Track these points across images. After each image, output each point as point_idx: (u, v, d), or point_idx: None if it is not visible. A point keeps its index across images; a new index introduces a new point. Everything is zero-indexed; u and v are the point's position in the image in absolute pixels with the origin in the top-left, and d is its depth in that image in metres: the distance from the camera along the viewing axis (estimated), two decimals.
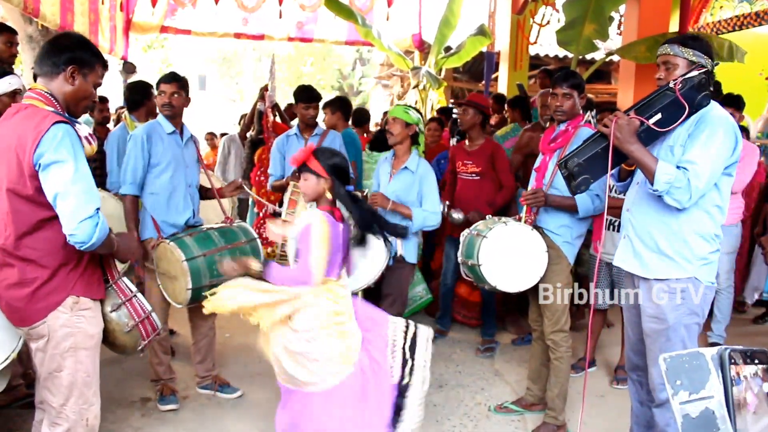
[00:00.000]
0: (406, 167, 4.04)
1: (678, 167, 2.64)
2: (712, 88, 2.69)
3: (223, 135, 11.25)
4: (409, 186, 4.02)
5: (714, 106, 2.70)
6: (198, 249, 3.59)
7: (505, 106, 6.98)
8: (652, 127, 2.67)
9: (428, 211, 3.98)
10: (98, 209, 2.33)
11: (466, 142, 4.92)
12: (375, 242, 3.94)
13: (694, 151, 2.63)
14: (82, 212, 2.27)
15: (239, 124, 8.31)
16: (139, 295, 2.71)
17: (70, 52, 2.42)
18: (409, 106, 4.12)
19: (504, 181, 4.81)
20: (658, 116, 2.67)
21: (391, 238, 3.86)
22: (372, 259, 3.94)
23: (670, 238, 2.75)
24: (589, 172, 2.81)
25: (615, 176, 3.06)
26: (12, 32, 4.38)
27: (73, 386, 2.48)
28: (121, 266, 2.92)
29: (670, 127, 2.67)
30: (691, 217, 2.71)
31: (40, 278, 2.40)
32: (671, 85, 2.66)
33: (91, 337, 2.52)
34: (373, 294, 4.18)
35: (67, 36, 2.55)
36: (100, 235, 2.31)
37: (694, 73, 2.65)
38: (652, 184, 2.64)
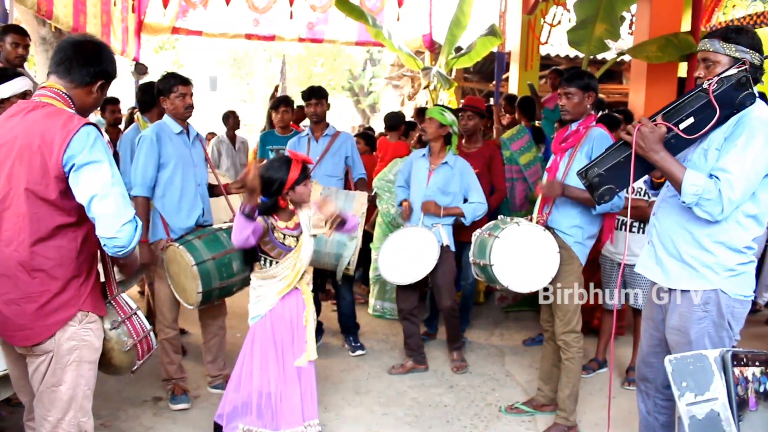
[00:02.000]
0: (445, 162, 4.42)
1: (711, 175, 2.44)
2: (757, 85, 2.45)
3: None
4: (448, 180, 4.41)
5: (757, 106, 2.44)
6: (207, 252, 3.62)
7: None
8: (680, 134, 2.44)
9: (475, 203, 4.39)
10: (135, 214, 2.27)
11: (463, 142, 5.12)
12: (427, 236, 4.24)
13: (729, 158, 2.40)
14: (123, 216, 2.20)
15: (224, 123, 8.11)
16: (139, 312, 2.58)
17: (103, 66, 2.38)
18: (446, 108, 4.51)
19: (497, 184, 5.12)
20: (690, 120, 2.43)
21: (434, 229, 4.27)
22: (425, 253, 4.25)
23: (692, 246, 2.55)
24: (613, 182, 2.62)
25: (648, 183, 2.89)
26: (21, 33, 4.34)
27: (73, 400, 2.35)
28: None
29: (698, 134, 2.44)
30: (717, 226, 2.49)
31: (49, 291, 2.26)
32: (705, 86, 2.42)
33: (96, 350, 2.41)
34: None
35: (94, 43, 2.43)
36: (138, 239, 2.25)
37: (733, 71, 2.40)
38: (680, 195, 2.45)
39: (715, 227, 2.49)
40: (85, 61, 2.35)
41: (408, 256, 4.29)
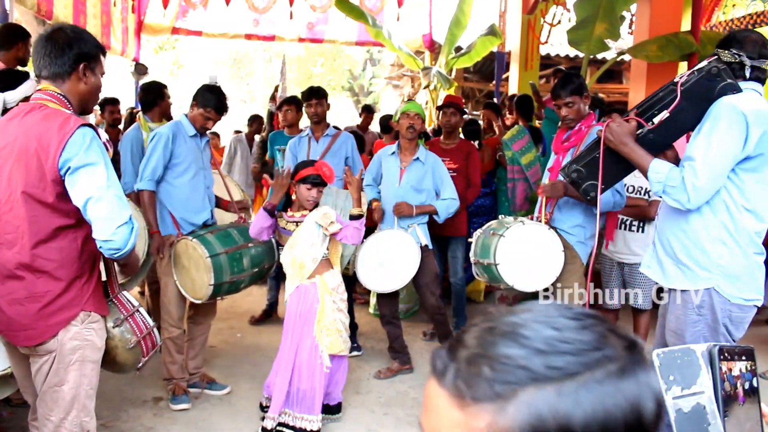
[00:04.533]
0: (417, 158, 4.31)
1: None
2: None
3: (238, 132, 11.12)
4: (421, 177, 4.30)
5: (735, 95, 2.43)
6: (220, 246, 3.69)
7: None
8: (647, 126, 2.57)
9: (448, 199, 4.27)
10: (131, 215, 2.25)
11: (441, 139, 5.21)
12: (405, 239, 4.18)
13: (694, 145, 2.44)
14: (118, 218, 2.18)
15: (248, 126, 8.28)
16: (142, 309, 2.60)
17: (76, 48, 2.29)
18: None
19: (474, 179, 5.10)
20: (664, 114, 2.53)
21: (410, 230, 4.18)
22: (405, 257, 4.16)
23: (686, 244, 2.54)
24: (593, 177, 2.75)
25: None
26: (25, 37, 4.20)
27: (75, 400, 2.35)
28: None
29: (655, 123, 2.54)
30: (708, 221, 2.47)
31: (52, 292, 2.27)
32: (676, 79, 2.52)
33: (99, 349, 2.41)
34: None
35: (62, 30, 2.33)
36: (134, 241, 2.24)
37: (704, 63, 2.48)
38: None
39: (706, 222, 2.48)
40: (59, 50, 2.28)
41: (388, 261, 4.15)
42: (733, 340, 2.55)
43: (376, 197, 4.46)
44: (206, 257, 3.58)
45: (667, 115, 2.52)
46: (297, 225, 3.47)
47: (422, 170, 4.30)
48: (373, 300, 5.90)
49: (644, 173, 2.55)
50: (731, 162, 2.40)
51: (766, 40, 2.54)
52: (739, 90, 2.43)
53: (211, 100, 3.87)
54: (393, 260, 4.15)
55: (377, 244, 4.19)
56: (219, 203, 4.18)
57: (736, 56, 2.49)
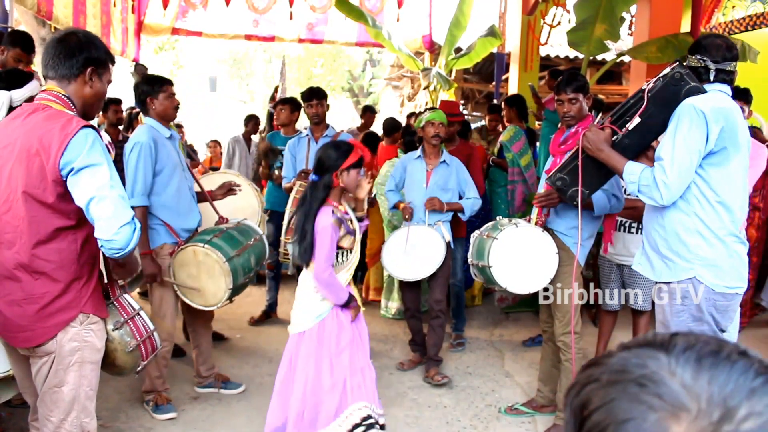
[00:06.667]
0: (444, 161, 4.55)
1: None
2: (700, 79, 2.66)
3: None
4: (447, 177, 4.54)
5: (698, 97, 2.58)
6: (231, 250, 3.65)
7: (502, 105, 6.92)
8: (619, 132, 2.73)
9: (472, 198, 4.52)
10: (134, 216, 2.25)
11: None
12: (433, 235, 4.31)
13: (662, 146, 2.61)
14: (121, 218, 2.18)
15: (245, 125, 8.30)
16: (142, 312, 2.58)
17: (86, 52, 2.32)
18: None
19: (476, 181, 5.06)
20: (637, 120, 2.69)
21: (436, 227, 4.35)
22: (432, 251, 4.31)
23: (666, 238, 2.69)
24: (577, 184, 2.91)
25: None
26: (28, 52, 4.13)
27: (75, 401, 2.35)
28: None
29: (629, 129, 2.70)
30: (683, 214, 2.63)
31: (50, 293, 2.26)
32: (644, 87, 2.71)
33: (99, 350, 2.41)
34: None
35: (75, 34, 2.37)
36: (136, 241, 2.24)
37: (667, 69, 2.65)
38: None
39: (682, 216, 2.63)
40: (69, 53, 2.31)
41: (414, 253, 4.34)
42: (721, 330, 2.71)
43: (401, 200, 4.63)
44: (223, 262, 3.53)
45: (639, 120, 2.68)
46: (351, 222, 3.28)
47: (448, 171, 4.55)
48: (383, 301, 5.91)
49: (620, 176, 2.70)
50: (696, 158, 2.56)
51: (730, 43, 2.73)
52: (703, 91, 2.60)
53: (157, 80, 3.79)
54: (419, 253, 4.34)
55: (406, 236, 4.36)
56: (201, 197, 4.00)
57: (701, 61, 2.69)
